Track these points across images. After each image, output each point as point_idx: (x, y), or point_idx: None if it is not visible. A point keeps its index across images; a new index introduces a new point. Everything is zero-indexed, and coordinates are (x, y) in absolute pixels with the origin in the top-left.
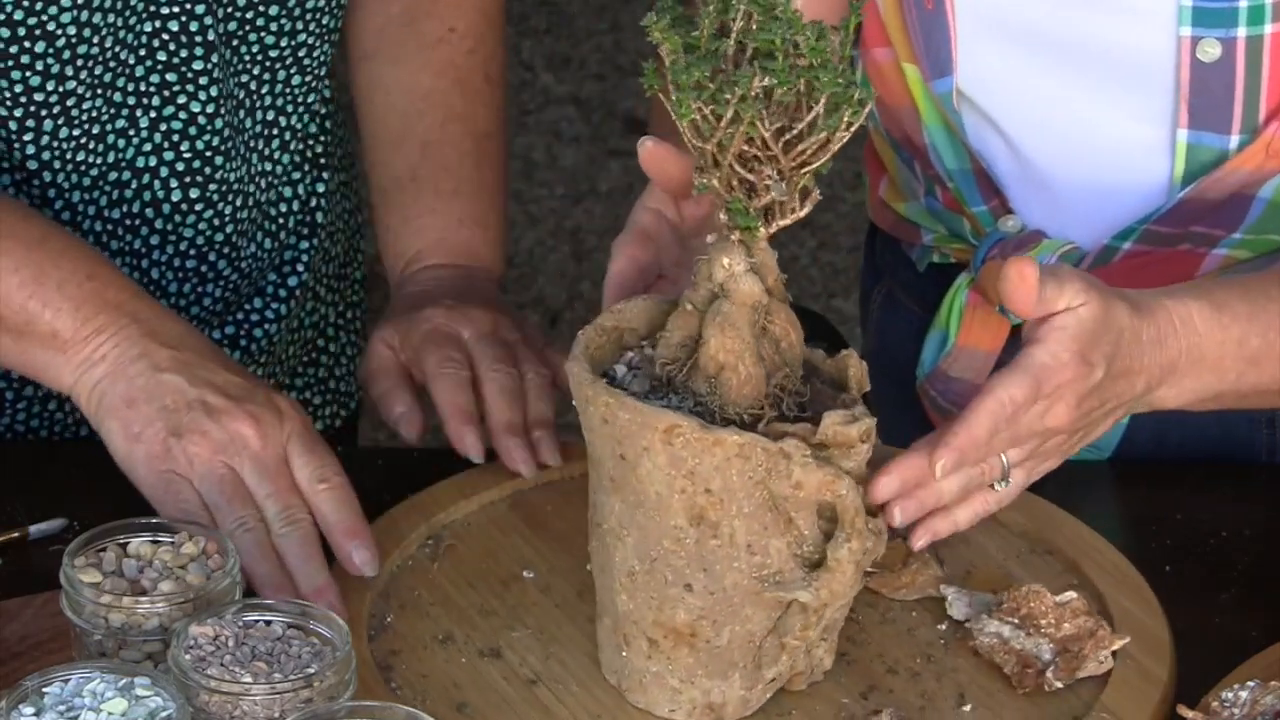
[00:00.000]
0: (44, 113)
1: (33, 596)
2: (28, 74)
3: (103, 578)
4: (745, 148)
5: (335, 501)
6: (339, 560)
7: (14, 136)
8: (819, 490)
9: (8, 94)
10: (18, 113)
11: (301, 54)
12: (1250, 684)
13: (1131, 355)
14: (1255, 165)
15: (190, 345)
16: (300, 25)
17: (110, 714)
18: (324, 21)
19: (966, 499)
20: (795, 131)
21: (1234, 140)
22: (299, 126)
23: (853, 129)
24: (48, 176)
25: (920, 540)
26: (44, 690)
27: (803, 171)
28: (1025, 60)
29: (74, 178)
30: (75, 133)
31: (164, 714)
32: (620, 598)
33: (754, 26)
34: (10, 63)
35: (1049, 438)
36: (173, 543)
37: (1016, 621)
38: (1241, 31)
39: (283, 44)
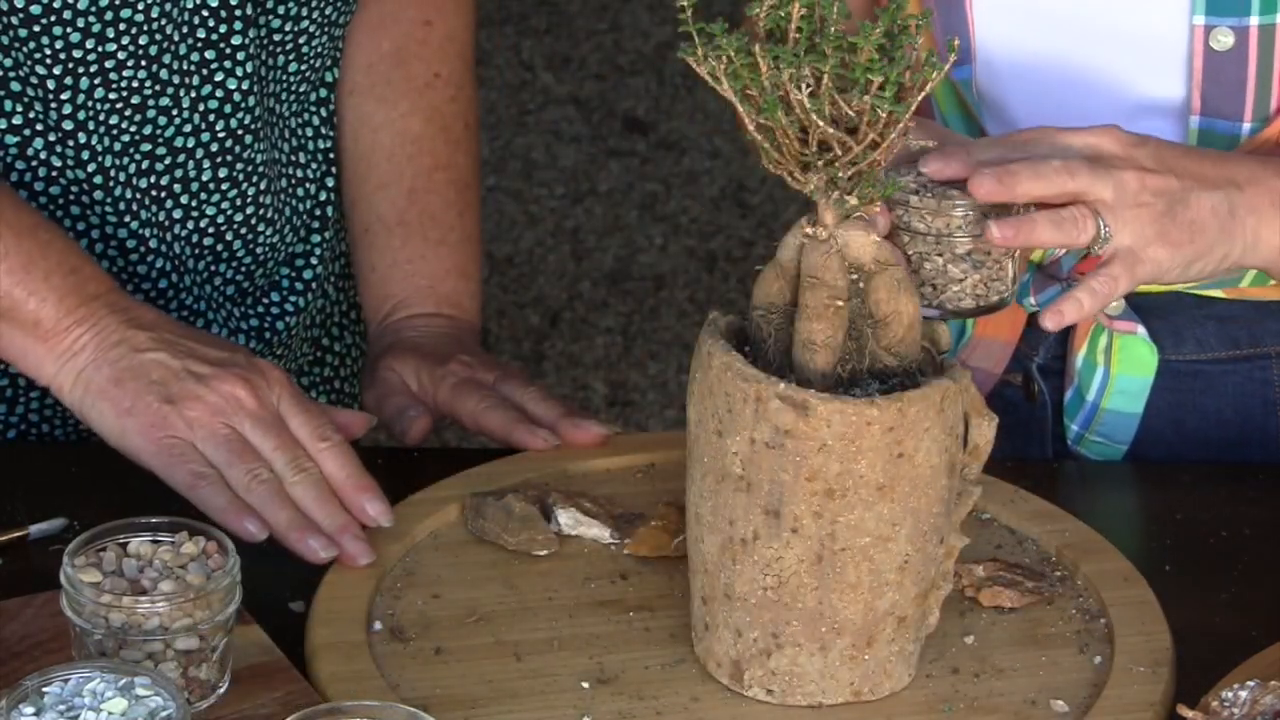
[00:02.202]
0: (81, 70)
1: (33, 596)
2: (68, 30)
3: (103, 578)
4: (820, 124)
5: (340, 458)
6: (353, 514)
7: (51, 95)
8: (970, 417)
9: (48, 50)
10: (56, 70)
11: (301, 41)
12: (1250, 684)
13: (1192, 155)
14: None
15: (166, 326)
16: (304, 11)
17: (110, 714)
18: (327, 12)
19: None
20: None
21: (1245, 127)
22: (288, 115)
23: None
24: (82, 138)
25: (1049, 320)
26: (44, 690)
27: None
28: (1039, 46)
29: (106, 141)
30: (111, 96)
31: (164, 714)
32: (802, 602)
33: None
34: (52, 18)
35: (1126, 181)
36: (173, 543)
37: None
38: (1254, 20)
39: (287, 28)
